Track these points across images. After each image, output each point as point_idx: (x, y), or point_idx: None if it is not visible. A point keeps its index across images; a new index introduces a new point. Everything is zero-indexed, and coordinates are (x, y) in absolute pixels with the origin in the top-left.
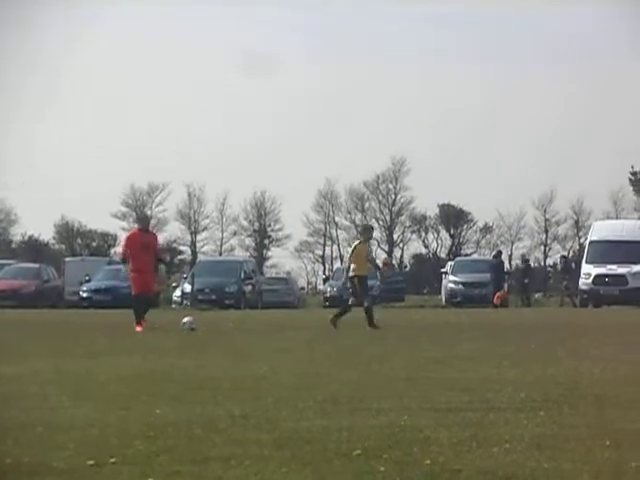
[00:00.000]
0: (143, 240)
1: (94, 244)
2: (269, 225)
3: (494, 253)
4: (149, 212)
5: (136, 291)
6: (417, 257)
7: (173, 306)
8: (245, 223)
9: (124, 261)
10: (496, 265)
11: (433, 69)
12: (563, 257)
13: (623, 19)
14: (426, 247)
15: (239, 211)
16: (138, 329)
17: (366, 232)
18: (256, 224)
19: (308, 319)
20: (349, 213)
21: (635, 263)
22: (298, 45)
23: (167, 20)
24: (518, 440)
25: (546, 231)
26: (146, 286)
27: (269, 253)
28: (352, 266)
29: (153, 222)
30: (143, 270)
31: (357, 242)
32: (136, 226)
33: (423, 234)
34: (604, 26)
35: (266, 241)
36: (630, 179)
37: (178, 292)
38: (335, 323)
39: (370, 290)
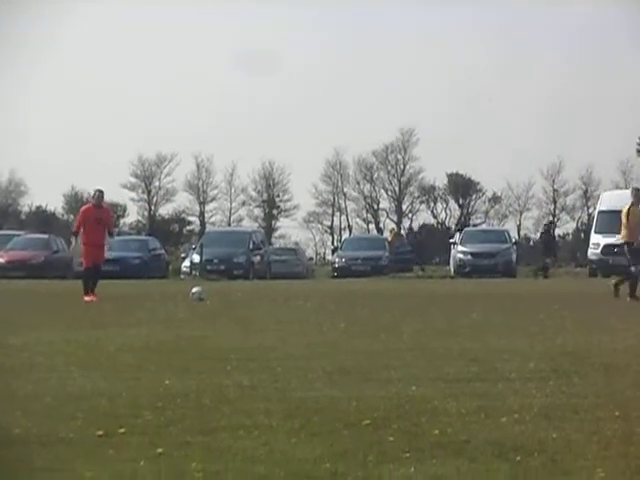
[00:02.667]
0: (96, 215)
1: None
2: (277, 195)
3: (545, 222)
4: (157, 183)
5: (87, 264)
6: (425, 227)
7: (182, 276)
8: (254, 194)
9: (76, 234)
10: (545, 235)
11: (440, 40)
12: (546, 225)
13: None
14: (435, 217)
15: (247, 182)
16: (87, 299)
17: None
18: (264, 195)
19: (317, 290)
20: (358, 184)
21: None
22: (304, 18)
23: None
24: (527, 410)
25: (554, 201)
26: (97, 259)
27: (277, 224)
28: (623, 232)
29: (161, 192)
30: (95, 244)
31: (630, 205)
32: (92, 201)
33: (432, 204)
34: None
35: (274, 211)
36: (638, 149)
37: (187, 262)
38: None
39: (379, 261)
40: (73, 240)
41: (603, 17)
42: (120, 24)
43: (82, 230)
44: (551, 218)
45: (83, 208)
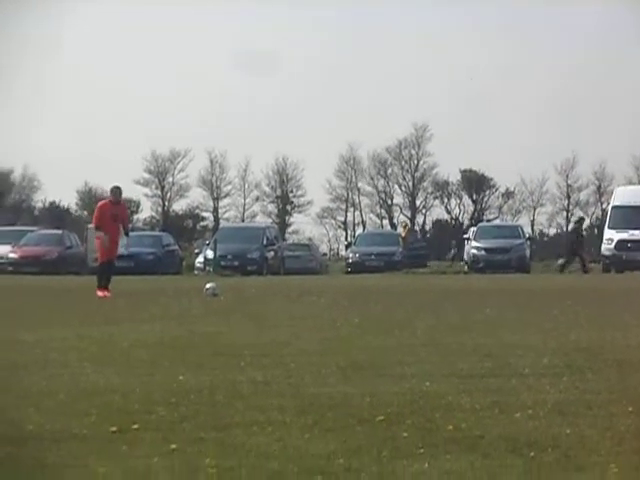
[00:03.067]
0: (113, 211)
1: None
2: (291, 191)
3: (575, 219)
4: (171, 179)
5: (102, 259)
6: (438, 223)
7: (196, 272)
8: (267, 189)
9: (97, 228)
10: (574, 231)
11: (454, 36)
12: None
13: None
14: (449, 213)
15: (261, 177)
16: (100, 294)
17: None
18: (278, 190)
19: (331, 285)
20: (372, 179)
21: None
22: (316, 16)
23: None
24: (540, 406)
25: (568, 197)
26: (112, 255)
27: (291, 219)
28: None
29: (175, 188)
30: (110, 240)
31: None
32: (109, 197)
33: (446, 200)
34: None
35: (288, 207)
36: None
37: (201, 258)
38: None
39: (392, 256)
40: (97, 232)
41: (614, 14)
42: (130, 22)
43: (99, 225)
44: (581, 214)
45: (100, 204)
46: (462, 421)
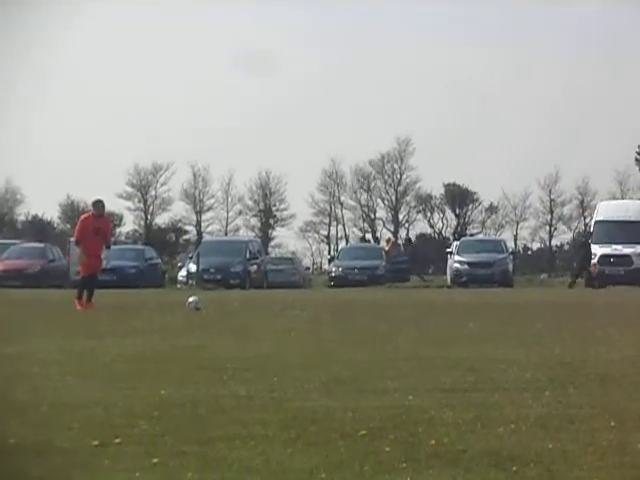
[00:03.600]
0: (95, 224)
1: None
2: (274, 205)
3: (583, 234)
4: (154, 192)
5: (85, 273)
6: (422, 237)
7: (178, 286)
8: (250, 203)
9: (77, 243)
10: (583, 246)
11: (438, 49)
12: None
13: None
14: (432, 227)
15: (244, 191)
16: (79, 307)
17: None
18: (261, 204)
19: (313, 299)
20: (354, 193)
21: None
22: (298, 27)
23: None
24: (523, 420)
25: (551, 211)
26: (95, 269)
27: (274, 233)
28: None
29: (158, 202)
30: (93, 254)
31: None
32: (92, 211)
33: (429, 214)
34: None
35: (271, 221)
36: (636, 159)
37: (183, 272)
38: None
39: (375, 270)
40: (76, 248)
41: (601, 25)
42: (115, 26)
43: (80, 240)
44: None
45: (82, 217)
46: (445, 436)
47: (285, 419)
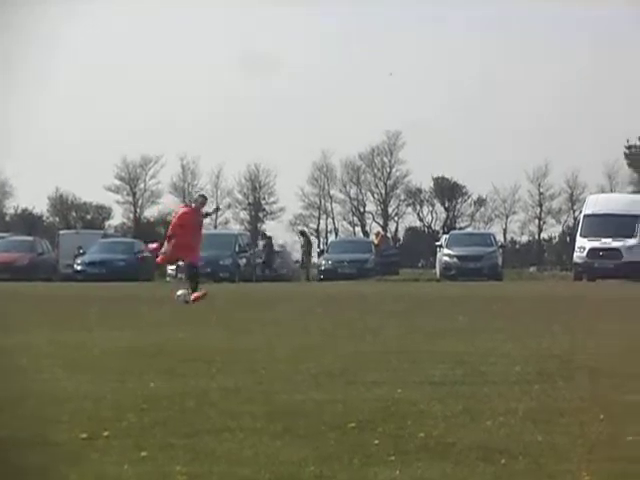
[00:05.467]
0: (199, 218)
1: (89, 217)
2: (264, 198)
3: None
4: (143, 185)
5: (195, 263)
6: (411, 230)
7: (167, 279)
8: (239, 196)
9: (170, 237)
10: None
11: (430, 42)
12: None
13: None
14: (421, 220)
15: (233, 184)
16: (198, 299)
17: None
18: (250, 197)
19: (303, 292)
20: (344, 186)
21: (629, 237)
22: (290, 25)
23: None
24: (512, 414)
25: (540, 205)
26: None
27: (264, 226)
28: None
29: (147, 195)
30: (198, 245)
31: None
32: (188, 203)
33: (418, 207)
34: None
35: (261, 214)
36: (625, 153)
37: (172, 265)
38: None
39: (365, 263)
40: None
41: (589, 21)
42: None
43: (178, 232)
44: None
45: (184, 210)
46: (433, 428)
47: (274, 412)
